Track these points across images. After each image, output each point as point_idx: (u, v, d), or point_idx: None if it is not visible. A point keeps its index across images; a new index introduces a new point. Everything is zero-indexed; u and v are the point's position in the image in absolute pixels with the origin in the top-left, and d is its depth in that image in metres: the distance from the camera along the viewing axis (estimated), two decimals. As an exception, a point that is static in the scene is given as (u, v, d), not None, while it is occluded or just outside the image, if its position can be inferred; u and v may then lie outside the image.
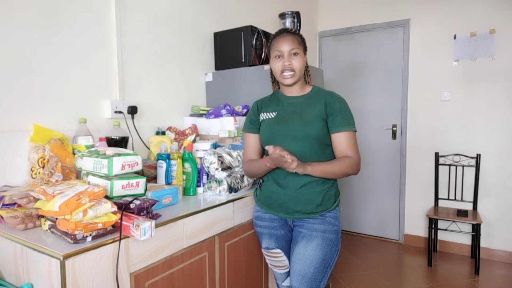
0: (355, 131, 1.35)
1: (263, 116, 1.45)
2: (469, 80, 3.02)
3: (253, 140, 1.49)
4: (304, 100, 1.40)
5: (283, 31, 1.38)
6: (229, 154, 1.58)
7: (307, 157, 1.33)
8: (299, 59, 1.34)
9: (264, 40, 2.21)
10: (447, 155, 3.09)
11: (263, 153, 1.50)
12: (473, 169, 2.99)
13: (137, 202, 1.09)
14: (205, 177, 1.59)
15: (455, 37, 3.05)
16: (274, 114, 1.42)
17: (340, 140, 1.33)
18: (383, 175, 3.49)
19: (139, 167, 1.17)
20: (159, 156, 1.47)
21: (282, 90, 1.46)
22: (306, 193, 1.34)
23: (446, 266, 2.87)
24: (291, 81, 1.35)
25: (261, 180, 1.48)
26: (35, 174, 1.30)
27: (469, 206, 3.03)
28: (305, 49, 1.39)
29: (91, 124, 1.58)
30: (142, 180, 1.17)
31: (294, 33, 1.37)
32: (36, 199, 1.08)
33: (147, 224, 0.99)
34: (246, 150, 1.51)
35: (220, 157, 1.52)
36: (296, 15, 2.28)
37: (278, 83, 1.52)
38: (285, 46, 1.33)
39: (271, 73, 1.52)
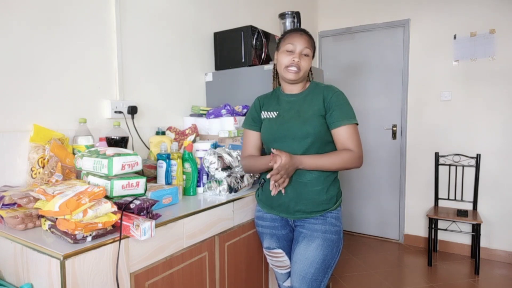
0: (356, 124, 1.33)
1: (264, 114, 1.45)
2: (469, 80, 3.02)
3: (254, 136, 1.49)
4: (302, 98, 1.40)
5: (301, 30, 1.39)
6: (229, 154, 1.57)
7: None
8: (307, 60, 1.36)
9: (264, 40, 2.21)
10: (447, 155, 3.09)
11: (263, 149, 1.50)
12: (473, 169, 2.99)
13: (137, 202, 1.09)
14: (205, 177, 1.59)
15: (455, 37, 3.05)
16: (275, 114, 1.42)
17: (340, 135, 1.31)
18: (383, 175, 3.49)
19: (139, 167, 1.17)
20: (159, 156, 1.47)
21: (282, 87, 1.46)
22: (306, 192, 1.34)
23: (446, 266, 2.87)
24: (294, 77, 1.35)
25: (262, 180, 1.48)
26: (35, 174, 1.30)
27: (469, 206, 3.03)
28: (313, 54, 1.40)
29: (91, 124, 1.58)
30: (142, 180, 1.17)
31: (310, 36, 1.39)
32: (36, 199, 1.07)
33: (147, 224, 0.99)
34: (246, 145, 1.50)
35: (220, 157, 1.52)
36: (296, 15, 2.28)
37: (278, 80, 1.52)
38: (300, 43, 1.34)
39: (273, 69, 1.51)
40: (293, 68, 1.34)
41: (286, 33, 1.41)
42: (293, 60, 1.33)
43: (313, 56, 1.41)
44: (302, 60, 1.34)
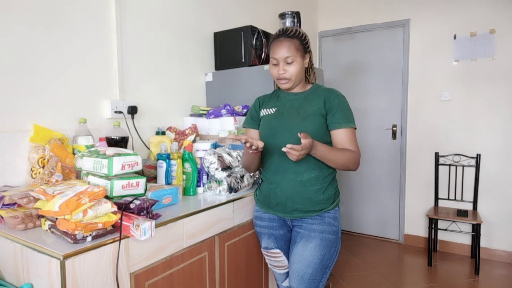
0: (355, 128, 1.35)
1: (263, 112, 1.46)
2: (469, 80, 3.02)
3: (253, 135, 1.49)
4: (303, 97, 1.40)
5: (281, 35, 1.34)
6: (229, 154, 1.57)
7: None
8: (294, 66, 1.33)
9: (264, 40, 2.21)
10: (447, 155, 3.09)
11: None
12: (473, 169, 2.99)
13: (137, 202, 1.09)
14: (205, 177, 1.59)
15: (455, 37, 3.05)
16: (274, 110, 1.43)
17: (341, 137, 1.32)
18: (383, 175, 3.48)
19: (139, 167, 1.17)
20: (159, 156, 1.47)
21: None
22: (303, 191, 1.34)
23: (446, 266, 2.87)
24: (287, 86, 1.37)
25: (260, 180, 1.48)
26: (35, 174, 1.30)
27: (469, 206, 3.03)
28: (305, 51, 1.35)
29: (91, 124, 1.58)
30: (142, 180, 1.17)
31: (292, 36, 1.32)
32: (36, 199, 1.07)
33: (147, 224, 0.99)
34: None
35: (220, 157, 1.52)
36: (296, 15, 2.28)
37: None
38: (279, 53, 1.32)
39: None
40: (283, 81, 1.35)
41: (271, 42, 1.38)
42: (279, 73, 1.34)
43: (305, 53, 1.36)
44: (288, 68, 1.33)
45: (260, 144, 1.23)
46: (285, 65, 1.33)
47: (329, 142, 1.36)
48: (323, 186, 1.35)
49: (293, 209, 1.36)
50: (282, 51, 1.31)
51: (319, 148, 1.26)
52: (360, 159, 1.35)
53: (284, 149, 1.14)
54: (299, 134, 1.18)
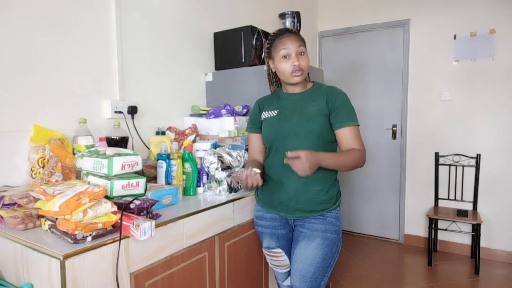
0: (358, 125, 1.35)
1: (265, 115, 1.46)
2: (469, 80, 3.02)
3: (255, 139, 1.49)
4: (305, 96, 1.40)
5: (286, 31, 1.37)
6: (229, 154, 1.58)
7: None
8: (306, 58, 1.35)
9: (264, 40, 2.21)
10: (447, 155, 3.09)
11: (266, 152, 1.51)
12: (473, 169, 2.99)
13: (137, 202, 1.09)
14: (205, 177, 1.59)
15: (455, 37, 3.05)
16: (276, 112, 1.42)
17: (345, 135, 1.33)
18: (383, 175, 3.49)
19: (139, 167, 1.17)
20: (159, 156, 1.47)
21: (284, 88, 1.46)
22: (306, 191, 1.34)
23: (446, 266, 2.87)
24: (300, 79, 1.36)
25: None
26: (35, 174, 1.30)
27: (469, 206, 3.03)
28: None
29: (91, 124, 1.58)
30: (142, 180, 1.17)
31: (296, 33, 1.38)
32: (36, 199, 1.07)
33: (147, 224, 0.99)
34: (249, 150, 1.54)
35: (220, 157, 1.52)
36: (296, 15, 2.28)
37: (276, 83, 1.52)
38: (292, 44, 1.33)
39: (268, 74, 1.51)
40: (298, 73, 1.34)
41: (273, 39, 1.38)
42: (294, 65, 1.33)
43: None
44: (301, 60, 1.34)
45: (259, 183, 1.29)
46: (298, 57, 1.34)
47: (334, 141, 1.36)
48: (326, 187, 1.35)
49: (296, 209, 1.36)
50: (295, 41, 1.34)
51: (327, 158, 1.25)
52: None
53: (286, 161, 1.19)
54: (287, 153, 1.20)
